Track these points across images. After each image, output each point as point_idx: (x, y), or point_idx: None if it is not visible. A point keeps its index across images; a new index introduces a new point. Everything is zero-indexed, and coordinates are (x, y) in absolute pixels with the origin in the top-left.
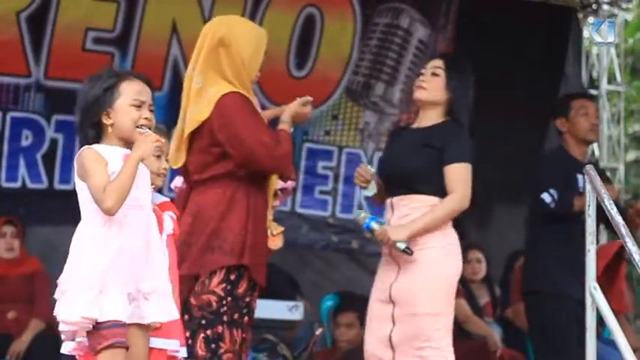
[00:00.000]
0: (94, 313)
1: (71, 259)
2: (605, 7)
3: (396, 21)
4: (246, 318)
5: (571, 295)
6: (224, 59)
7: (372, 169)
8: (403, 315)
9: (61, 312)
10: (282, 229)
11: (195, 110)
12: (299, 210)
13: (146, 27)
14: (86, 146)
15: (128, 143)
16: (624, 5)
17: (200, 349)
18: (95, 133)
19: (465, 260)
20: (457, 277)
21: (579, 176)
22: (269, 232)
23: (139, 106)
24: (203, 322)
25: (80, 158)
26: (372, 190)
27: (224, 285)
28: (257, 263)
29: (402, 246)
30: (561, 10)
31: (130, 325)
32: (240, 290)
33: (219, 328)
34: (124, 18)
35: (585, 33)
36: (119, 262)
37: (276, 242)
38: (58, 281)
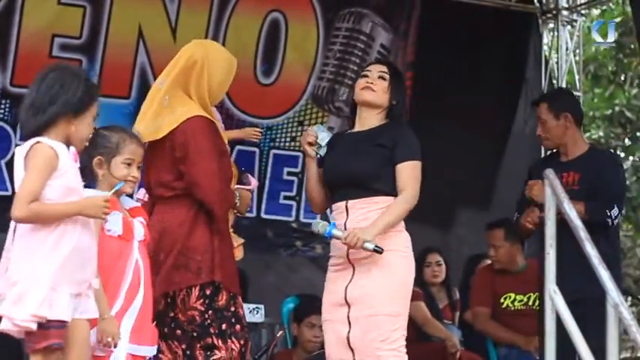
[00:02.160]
0: (44, 312)
1: (21, 257)
2: (565, 12)
3: (358, 26)
4: (237, 326)
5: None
6: (194, 81)
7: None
8: (360, 316)
9: (8, 310)
10: (242, 241)
11: (156, 125)
12: (264, 216)
13: (112, 33)
14: (41, 142)
15: (69, 141)
16: (583, 11)
17: (200, 356)
18: (45, 126)
19: (425, 263)
20: (412, 279)
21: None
22: None
23: (94, 119)
24: (194, 334)
25: (35, 153)
26: (324, 147)
27: (202, 300)
28: (229, 277)
29: (371, 246)
30: (522, 15)
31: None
32: (221, 302)
33: (209, 340)
34: (91, 24)
35: (545, 39)
36: (73, 259)
37: (236, 254)
38: (7, 276)
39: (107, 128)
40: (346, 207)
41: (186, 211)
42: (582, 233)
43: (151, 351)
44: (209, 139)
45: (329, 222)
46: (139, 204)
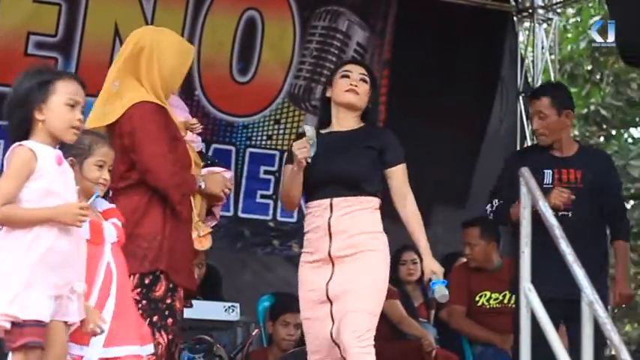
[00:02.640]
0: (15, 311)
1: None
2: (541, 11)
3: (334, 24)
4: (169, 320)
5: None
6: (143, 68)
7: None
8: (341, 311)
9: None
10: (209, 230)
11: (103, 111)
12: (241, 214)
13: (88, 31)
14: (22, 145)
15: (58, 141)
16: (559, 10)
17: None
18: (26, 129)
19: (401, 261)
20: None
21: (547, 172)
22: (196, 233)
23: (73, 106)
24: None
25: (13, 155)
26: (313, 147)
27: (139, 289)
28: (176, 266)
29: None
30: (498, 14)
31: (51, 321)
32: (158, 293)
33: None
34: (66, 22)
35: (521, 37)
36: (48, 260)
37: (203, 243)
38: None
39: None
40: (331, 204)
41: (140, 198)
42: (557, 231)
43: (133, 351)
44: (157, 124)
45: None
46: (112, 205)
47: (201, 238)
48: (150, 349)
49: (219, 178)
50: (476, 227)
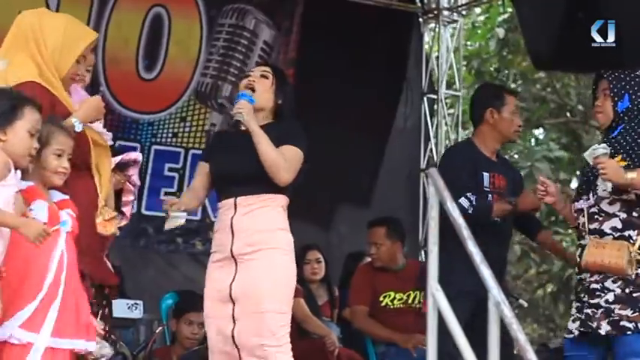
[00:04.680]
0: None
1: None
2: (446, 12)
3: (241, 22)
4: None
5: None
6: (31, 48)
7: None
8: (246, 313)
9: None
10: (114, 214)
11: None
12: (144, 212)
13: None
14: (2, 152)
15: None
16: (464, 12)
17: None
18: None
19: (305, 260)
20: (295, 278)
21: (486, 174)
22: (100, 217)
23: (33, 135)
24: None
25: None
26: (182, 216)
27: None
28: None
29: None
30: (404, 15)
31: None
32: None
33: None
34: None
35: (426, 38)
36: None
37: (107, 227)
38: None
39: None
40: (235, 203)
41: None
42: (465, 232)
43: (78, 344)
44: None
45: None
46: (66, 197)
47: (106, 222)
48: (92, 345)
49: (93, 104)
50: (382, 227)
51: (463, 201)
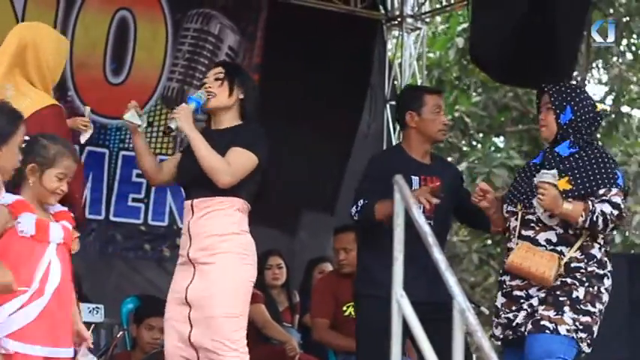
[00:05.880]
0: None
1: None
2: (409, 20)
3: (206, 27)
4: None
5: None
6: (32, 66)
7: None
8: (200, 318)
9: None
10: (77, 234)
11: None
12: (112, 218)
13: None
14: None
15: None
16: (427, 19)
17: None
18: None
19: (266, 266)
20: (252, 282)
21: (415, 178)
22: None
23: (21, 149)
24: None
25: None
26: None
27: None
28: None
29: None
30: (367, 21)
31: None
32: None
33: None
34: None
35: (389, 45)
36: None
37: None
38: None
39: (48, 138)
40: (192, 205)
41: None
42: (430, 239)
43: (53, 352)
44: (66, 129)
45: None
46: (65, 208)
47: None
48: (69, 352)
49: None
50: (351, 232)
51: (353, 208)
